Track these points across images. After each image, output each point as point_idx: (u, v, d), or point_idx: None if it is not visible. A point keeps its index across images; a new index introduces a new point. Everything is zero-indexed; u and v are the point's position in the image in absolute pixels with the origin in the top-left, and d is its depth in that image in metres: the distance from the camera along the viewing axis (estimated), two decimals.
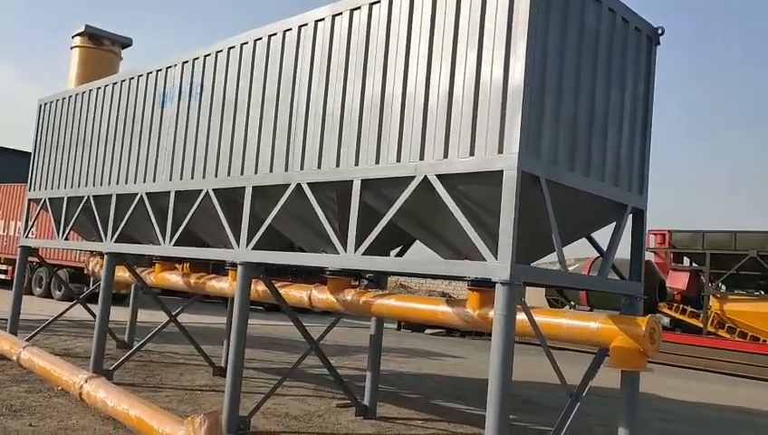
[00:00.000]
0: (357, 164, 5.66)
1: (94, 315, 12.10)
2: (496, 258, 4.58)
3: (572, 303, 24.41)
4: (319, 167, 6.01)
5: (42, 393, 7.62)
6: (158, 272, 9.51)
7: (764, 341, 20.18)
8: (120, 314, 12.52)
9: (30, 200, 11.10)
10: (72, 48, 11.30)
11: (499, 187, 4.72)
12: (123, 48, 11.48)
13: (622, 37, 5.53)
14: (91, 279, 15.99)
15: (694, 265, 22.94)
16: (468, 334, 24.06)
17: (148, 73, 8.55)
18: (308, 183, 6.08)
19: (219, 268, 12.31)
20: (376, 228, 5.48)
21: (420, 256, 6.50)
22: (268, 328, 18.04)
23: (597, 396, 11.15)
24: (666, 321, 23.68)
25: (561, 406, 9.97)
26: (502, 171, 4.61)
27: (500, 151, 4.65)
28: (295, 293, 7.36)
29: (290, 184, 6.25)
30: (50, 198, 10.46)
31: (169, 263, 9.60)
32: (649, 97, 5.87)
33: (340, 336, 18.56)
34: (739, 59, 63.29)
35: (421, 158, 5.17)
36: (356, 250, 5.57)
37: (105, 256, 8.78)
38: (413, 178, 5.19)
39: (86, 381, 6.49)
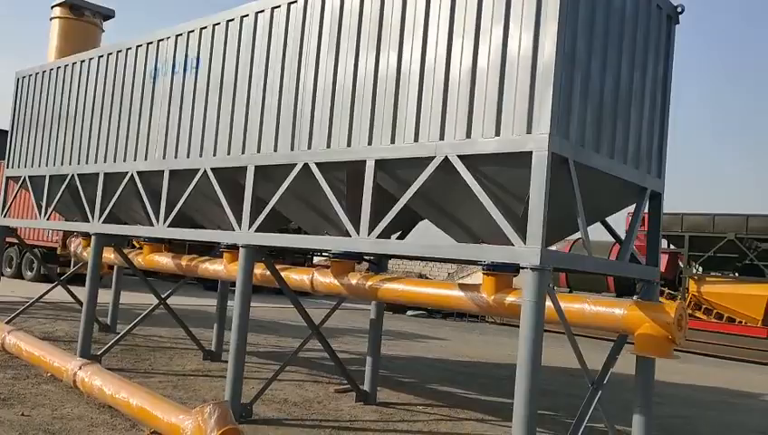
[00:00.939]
0: (370, 143, 5.44)
1: (75, 298, 11.85)
2: (524, 243, 4.41)
3: (551, 284, 24.52)
4: (328, 146, 5.77)
5: (29, 380, 7.31)
6: (147, 254, 9.19)
7: (740, 322, 20.51)
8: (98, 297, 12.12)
9: (8, 178, 10.65)
10: (51, 19, 10.79)
11: (525, 168, 4.55)
12: (105, 20, 11.00)
13: (645, 15, 5.37)
14: (72, 260, 15.53)
15: (672, 247, 23.16)
16: (449, 316, 24.08)
17: (137, 46, 8.17)
18: (316, 163, 5.84)
19: (197, 249, 12.01)
20: (391, 211, 5.28)
21: (426, 239, 6.33)
22: (258, 311, 17.69)
23: (578, 377, 11.16)
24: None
25: (571, 391, 10.06)
26: (530, 152, 4.44)
27: (528, 131, 4.46)
28: (296, 276, 7.14)
29: (296, 164, 6.00)
30: (30, 176, 10.03)
31: (158, 244, 9.29)
32: (668, 78, 5.73)
33: (319, 319, 18.38)
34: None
35: (441, 137, 4.96)
36: (369, 233, 5.36)
37: (92, 237, 8.43)
38: (432, 158, 4.99)
39: (80, 368, 6.22)
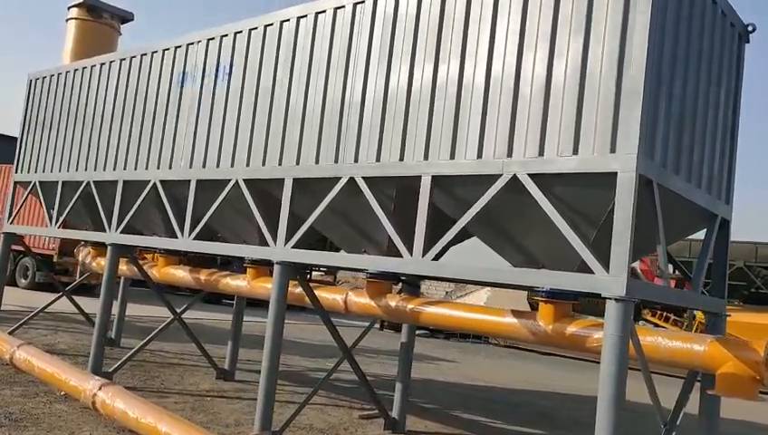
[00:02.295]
0: (426, 158, 5.10)
1: (81, 309, 11.39)
2: (607, 271, 4.07)
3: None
4: (377, 160, 5.42)
5: (40, 398, 6.88)
6: (162, 266, 8.78)
7: None
8: (91, 307, 11.62)
9: (17, 183, 10.23)
10: (67, 20, 10.45)
11: (601, 190, 4.24)
12: (123, 23, 10.67)
13: (720, 32, 5.08)
14: (78, 270, 15.08)
15: (677, 273, 22.90)
16: (452, 336, 23.64)
17: (164, 50, 7.83)
18: (363, 177, 5.49)
19: (207, 262, 11.59)
20: (450, 232, 4.92)
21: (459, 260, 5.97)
22: (254, 326, 17.22)
23: (627, 411, 10.83)
24: (649, 327, 23.63)
25: (580, 419, 9.71)
26: (613, 173, 4.11)
27: (612, 150, 4.14)
28: (328, 295, 6.75)
29: (341, 177, 5.65)
30: (41, 182, 9.63)
31: (173, 257, 8.89)
32: (738, 99, 5.45)
33: (326, 334, 17.93)
34: None
35: (509, 154, 4.63)
36: (424, 254, 5.01)
37: (109, 247, 8.03)
38: (498, 176, 4.65)
39: (100, 389, 5.80)
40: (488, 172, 4.71)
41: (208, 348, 11.56)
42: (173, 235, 8.06)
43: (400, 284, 7.24)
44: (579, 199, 4.47)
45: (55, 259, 20.08)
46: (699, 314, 22.40)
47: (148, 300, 18.54)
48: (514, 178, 4.56)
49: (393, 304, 6.25)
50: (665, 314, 23.54)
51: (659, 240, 4.36)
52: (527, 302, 24.63)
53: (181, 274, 8.56)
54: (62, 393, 6.79)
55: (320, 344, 15.41)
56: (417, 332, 23.83)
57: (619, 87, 4.16)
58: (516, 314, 5.45)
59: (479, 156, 4.79)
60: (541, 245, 5.02)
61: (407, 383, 7.49)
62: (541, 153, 4.47)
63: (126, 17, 10.59)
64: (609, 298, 3.99)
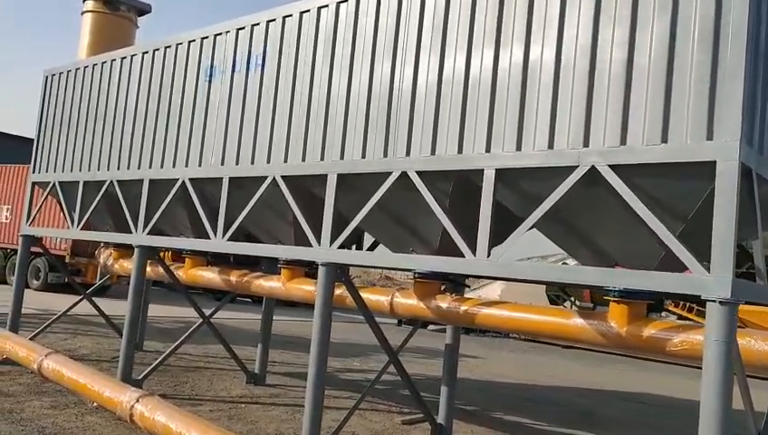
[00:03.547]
0: (489, 150, 4.71)
1: (102, 312, 11.07)
2: (708, 271, 3.69)
3: (573, 299, 23.81)
4: (432, 153, 5.04)
5: (71, 410, 6.55)
6: (190, 268, 8.43)
7: None
8: (107, 308, 11.26)
9: (35, 184, 9.88)
10: (83, 13, 10.07)
11: (695, 181, 3.86)
12: (140, 15, 10.28)
13: None
14: (97, 271, 14.73)
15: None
16: (471, 331, 23.25)
17: (189, 42, 7.45)
18: (417, 171, 5.11)
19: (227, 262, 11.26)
20: (518, 230, 4.55)
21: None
22: (275, 325, 16.82)
23: (649, 405, 10.52)
24: (673, 319, 23.23)
25: (622, 419, 9.37)
26: (710, 163, 3.72)
27: (709, 137, 3.75)
28: (372, 297, 6.39)
29: (391, 172, 5.27)
30: (60, 182, 9.28)
31: (201, 258, 8.54)
32: None
33: (346, 333, 17.59)
34: None
35: (585, 144, 4.24)
36: (489, 254, 4.63)
37: (136, 249, 7.68)
38: (573, 168, 4.27)
39: (138, 401, 5.46)
40: (561, 164, 4.32)
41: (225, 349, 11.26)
42: (201, 235, 7.72)
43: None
44: (665, 192, 4.09)
45: (67, 260, 19.81)
46: None
47: (166, 300, 18.25)
48: (592, 169, 4.18)
49: (444, 305, 5.88)
50: (688, 304, 23.14)
51: (759, 235, 3.98)
52: (546, 295, 24.28)
53: (210, 275, 8.21)
54: (94, 405, 6.46)
55: (341, 343, 15.05)
56: (436, 328, 23.54)
57: (716, 65, 3.77)
58: (584, 315, 5.08)
59: (550, 146, 4.40)
60: (615, 241, 4.64)
61: (452, 386, 7.13)
62: (623, 142, 4.08)
63: (143, 9, 10.21)
64: (712, 301, 3.61)
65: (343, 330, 18.56)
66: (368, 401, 8.59)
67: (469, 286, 7.01)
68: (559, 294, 23.92)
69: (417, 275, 6.11)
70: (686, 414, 10.33)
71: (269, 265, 9.16)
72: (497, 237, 4.93)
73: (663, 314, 23.39)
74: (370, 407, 8.21)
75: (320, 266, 5.65)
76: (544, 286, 23.48)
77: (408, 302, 6.17)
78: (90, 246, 21.26)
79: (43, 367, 6.72)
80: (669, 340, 4.56)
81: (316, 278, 7.08)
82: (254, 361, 9.45)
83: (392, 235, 6.00)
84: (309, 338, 15.24)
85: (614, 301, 4.86)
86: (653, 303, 18.71)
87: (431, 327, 23.14)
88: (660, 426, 9.39)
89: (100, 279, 12.15)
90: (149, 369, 7.86)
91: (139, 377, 7.64)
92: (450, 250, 5.58)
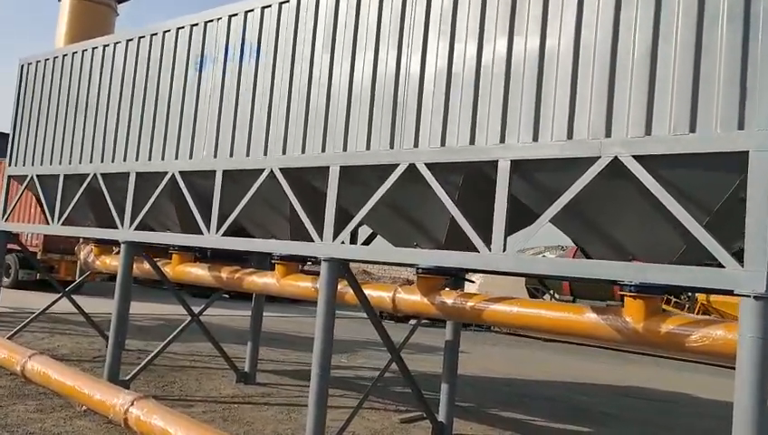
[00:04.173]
0: (503, 141, 4.54)
1: (81, 310, 10.70)
2: (741, 265, 3.56)
3: (552, 291, 23.86)
4: (443, 144, 4.86)
5: (58, 413, 6.26)
6: (177, 264, 8.15)
7: None
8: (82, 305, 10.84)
9: (11, 177, 9.49)
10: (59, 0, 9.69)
11: (724, 171, 3.74)
12: (120, 2, 9.92)
13: None
14: (77, 269, 14.29)
15: None
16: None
17: (178, 29, 7.16)
18: (426, 163, 4.92)
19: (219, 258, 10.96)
20: (537, 223, 4.39)
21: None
22: (242, 320, 16.41)
23: (654, 401, 10.51)
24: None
25: (617, 414, 9.31)
26: (742, 153, 3.59)
27: (741, 127, 3.62)
28: (373, 293, 6.20)
29: (398, 164, 5.07)
30: (39, 175, 8.91)
31: (187, 254, 8.25)
32: None
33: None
34: None
35: (607, 134, 4.09)
36: (504, 249, 4.46)
37: (122, 245, 7.38)
38: (594, 159, 4.11)
39: (132, 404, 5.20)
40: (581, 155, 4.17)
41: (212, 346, 10.99)
42: (190, 230, 7.45)
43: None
44: (691, 183, 3.96)
45: (39, 256, 19.28)
46: (701, 297, 22.19)
47: (144, 297, 17.82)
48: (615, 160, 4.03)
49: (450, 301, 5.71)
50: (666, 296, 23.36)
51: None
52: (525, 288, 24.27)
53: (199, 272, 7.93)
54: (83, 408, 6.17)
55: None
56: (414, 321, 23.31)
57: (746, 49, 3.63)
58: (597, 310, 4.94)
59: (569, 136, 4.25)
60: (633, 235, 4.51)
61: (453, 384, 6.98)
62: (648, 131, 3.94)
63: None
64: (746, 295, 3.49)
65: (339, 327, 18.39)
66: (357, 397, 8.41)
67: (473, 281, 6.84)
68: (538, 287, 23.93)
69: (420, 271, 5.93)
70: (682, 410, 10.35)
71: (259, 261, 8.94)
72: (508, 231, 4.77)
73: None
74: (367, 405, 7.97)
75: (322, 262, 5.43)
76: (524, 279, 23.51)
77: (412, 298, 6.00)
78: (63, 241, 20.75)
79: (27, 369, 6.41)
80: (688, 336, 4.44)
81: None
82: (240, 359, 9.22)
83: (394, 228, 5.81)
84: (293, 335, 15.01)
85: (629, 296, 4.73)
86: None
87: (412, 321, 23.03)
88: (665, 424, 9.36)
89: (80, 276, 11.74)
90: (137, 369, 7.57)
91: (127, 378, 7.35)
92: (457, 244, 5.41)
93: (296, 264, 7.04)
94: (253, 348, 8.93)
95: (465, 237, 5.23)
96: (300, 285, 6.81)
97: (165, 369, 9.18)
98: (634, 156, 3.97)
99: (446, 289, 5.91)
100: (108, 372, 7.19)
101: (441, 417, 6.91)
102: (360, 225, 6.49)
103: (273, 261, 7.08)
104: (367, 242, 6.70)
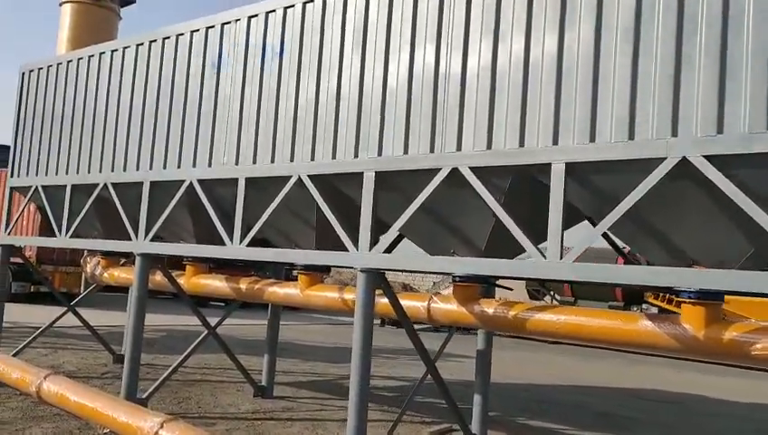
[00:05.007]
0: (556, 142, 4.32)
1: (86, 324, 10.39)
2: None
3: (552, 292, 23.70)
4: (489, 146, 4.62)
5: None
6: (191, 276, 7.86)
7: None
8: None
9: (13, 189, 9.16)
10: (61, 4, 9.38)
11: None
12: (123, 6, 9.63)
13: None
14: (82, 282, 13.88)
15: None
16: (457, 329, 22.88)
17: (192, 32, 6.89)
18: (471, 167, 4.68)
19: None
20: (596, 229, 4.16)
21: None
22: (246, 329, 16.13)
23: (668, 403, 10.31)
24: (654, 311, 23.31)
25: (641, 419, 9.12)
26: None
27: None
28: (407, 303, 5.95)
29: (440, 169, 4.83)
30: (44, 186, 8.59)
31: (202, 265, 7.96)
32: None
33: (329, 336, 17.12)
34: None
35: (674, 133, 3.87)
36: (561, 256, 4.23)
37: (137, 258, 7.08)
38: (660, 161, 3.89)
39: (162, 427, 4.92)
40: (645, 156, 3.95)
41: (222, 358, 10.71)
42: (204, 241, 7.19)
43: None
44: (763, 183, 3.75)
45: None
46: None
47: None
48: (684, 161, 3.81)
49: (490, 310, 5.47)
50: (667, 296, 23.27)
51: None
52: (525, 290, 24.07)
53: (216, 283, 7.65)
54: (106, 431, 5.88)
55: (332, 348, 14.60)
56: (420, 327, 23.21)
57: None
58: (653, 318, 4.72)
59: (630, 137, 4.02)
60: (695, 239, 4.29)
61: (485, 395, 6.75)
62: (720, 130, 3.72)
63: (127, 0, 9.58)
64: None
65: (326, 333, 18.11)
66: (384, 410, 8.16)
67: (512, 289, 6.61)
68: (538, 288, 23.78)
69: (457, 279, 5.69)
70: (699, 411, 10.17)
71: (276, 271, 8.67)
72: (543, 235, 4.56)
73: (643, 305, 23.57)
74: (389, 417, 7.75)
75: (359, 274, 5.18)
76: (524, 282, 23.32)
77: (447, 307, 5.75)
78: (56, 253, 20.33)
79: (43, 390, 6.10)
80: (754, 344, 4.23)
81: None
82: (251, 370, 8.92)
83: (429, 235, 5.57)
84: (298, 343, 14.70)
85: (688, 302, 4.52)
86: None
87: (416, 326, 22.75)
88: (686, 426, 9.17)
89: (85, 288, 11.41)
90: (155, 386, 7.28)
91: (144, 396, 7.06)
92: (498, 251, 5.19)
93: (320, 274, 6.79)
94: (270, 360, 8.65)
95: (508, 244, 5.01)
96: (326, 295, 6.56)
97: (177, 384, 8.89)
98: (706, 156, 3.75)
99: (486, 298, 5.67)
100: (125, 390, 6.89)
101: (474, 429, 6.67)
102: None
103: (296, 272, 6.80)
104: (389, 250, 6.46)
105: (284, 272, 9.20)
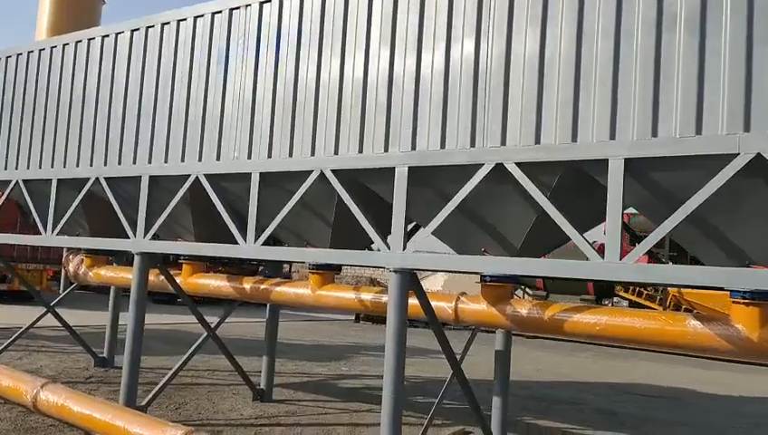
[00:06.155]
0: (613, 137, 4.11)
1: (66, 325, 9.87)
2: None
3: (524, 287, 23.74)
4: (537, 141, 4.39)
5: None
6: (189, 275, 7.47)
7: None
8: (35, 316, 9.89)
9: None
10: None
11: None
12: None
13: None
14: (62, 281, 13.24)
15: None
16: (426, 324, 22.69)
17: (195, 17, 6.49)
18: (516, 163, 4.45)
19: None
20: (657, 231, 3.95)
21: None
22: (244, 328, 15.65)
23: (663, 398, 10.30)
24: (624, 304, 23.57)
25: (644, 415, 9.07)
26: None
27: None
28: (433, 303, 5.69)
29: (482, 164, 4.58)
30: (25, 180, 8.06)
31: (199, 263, 7.58)
32: None
33: (307, 334, 16.75)
34: None
35: (746, 128, 3.69)
36: (621, 257, 4.03)
37: (137, 257, 6.67)
38: (732, 157, 3.71)
39: None
40: (715, 152, 3.77)
41: (206, 359, 10.34)
42: (205, 238, 6.83)
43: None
44: None
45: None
46: (672, 289, 22.30)
47: (125, 308, 16.80)
48: (758, 157, 3.64)
49: (523, 311, 5.26)
50: (638, 289, 23.54)
51: None
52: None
53: (216, 283, 7.28)
54: None
55: (313, 346, 14.27)
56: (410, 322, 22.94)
57: None
58: (701, 319, 4.57)
59: (698, 132, 3.84)
60: (756, 238, 4.14)
61: (505, 396, 6.55)
62: None
63: None
64: None
65: (305, 330, 17.72)
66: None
67: (545, 294, 6.41)
68: None
69: (487, 279, 5.46)
70: (696, 405, 10.19)
71: (274, 269, 8.33)
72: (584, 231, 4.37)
73: (614, 299, 23.81)
74: (404, 421, 7.49)
75: (391, 274, 4.90)
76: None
77: (477, 307, 5.53)
78: (15, 249, 19.48)
79: (40, 401, 5.65)
80: None
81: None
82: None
83: (459, 233, 5.32)
84: (289, 343, 14.27)
85: (741, 303, 4.38)
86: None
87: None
88: (688, 422, 9.15)
89: (65, 289, 10.86)
90: (154, 392, 6.88)
91: (144, 403, 6.67)
92: (534, 251, 4.99)
93: (333, 273, 6.50)
94: (269, 362, 8.31)
95: (544, 243, 4.81)
96: (341, 296, 6.27)
97: (170, 388, 8.45)
98: None
99: (518, 298, 5.45)
100: (125, 397, 6.48)
101: (495, 431, 6.47)
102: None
103: (310, 270, 6.49)
104: None
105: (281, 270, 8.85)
